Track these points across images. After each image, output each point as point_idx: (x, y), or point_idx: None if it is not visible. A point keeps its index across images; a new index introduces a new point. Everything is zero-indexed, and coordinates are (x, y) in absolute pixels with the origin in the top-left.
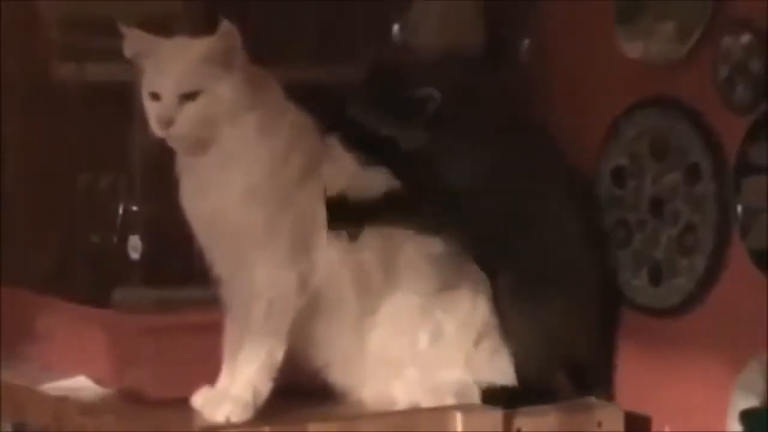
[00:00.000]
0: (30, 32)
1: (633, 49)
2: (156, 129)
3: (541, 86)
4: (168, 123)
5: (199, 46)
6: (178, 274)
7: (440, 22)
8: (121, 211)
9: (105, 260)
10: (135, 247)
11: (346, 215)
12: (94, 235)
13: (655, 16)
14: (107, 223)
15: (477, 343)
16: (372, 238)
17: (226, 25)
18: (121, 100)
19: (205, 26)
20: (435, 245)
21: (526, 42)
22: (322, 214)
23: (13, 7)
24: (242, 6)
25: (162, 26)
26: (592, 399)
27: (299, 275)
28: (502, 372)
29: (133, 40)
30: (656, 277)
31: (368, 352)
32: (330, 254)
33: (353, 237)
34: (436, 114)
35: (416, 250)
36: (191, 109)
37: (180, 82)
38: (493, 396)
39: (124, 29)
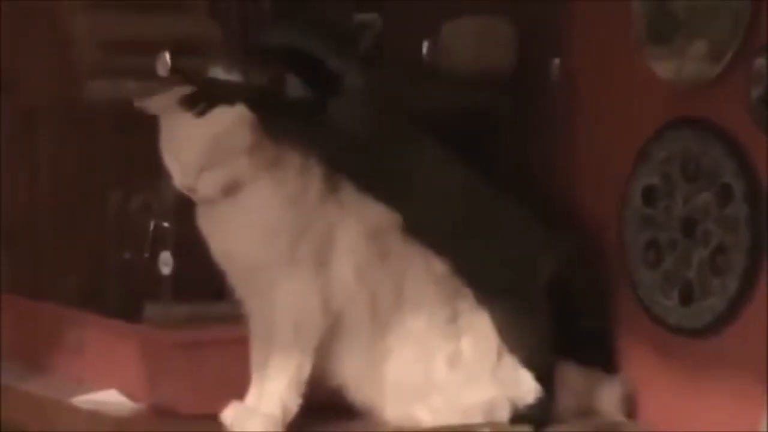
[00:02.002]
0: (63, 51)
1: (664, 69)
2: (180, 188)
3: (571, 106)
4: (191, 190)
5: (215, 124)
6: (209, 289)
7: (473, 43)
8: (152, 227)
9: (136, 276)
10: (166, 262)
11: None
12: (126, 251)
13: (687, 36)
14: (139, 240)
15: (500, 357)
16: (379, 260)
17: (241, 111)
18: (154, 117)
19: (240, 49)
20: (438, 265)
21: (557, 62)
22: (339, 233)
23: (46, 26)
24: (272, 26)
25: (198, 48)
26: (621, 419)
27: (322, 297)
28: (529, 384)
29: (149, 105)
30: (687, 297)
31: (386, 376)
32: (346, 274)
33: (200, 112)
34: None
35: (422, 271)
36: (211, 177)
37: (197, 157)
38: (521, 415)
39: (137, 102)
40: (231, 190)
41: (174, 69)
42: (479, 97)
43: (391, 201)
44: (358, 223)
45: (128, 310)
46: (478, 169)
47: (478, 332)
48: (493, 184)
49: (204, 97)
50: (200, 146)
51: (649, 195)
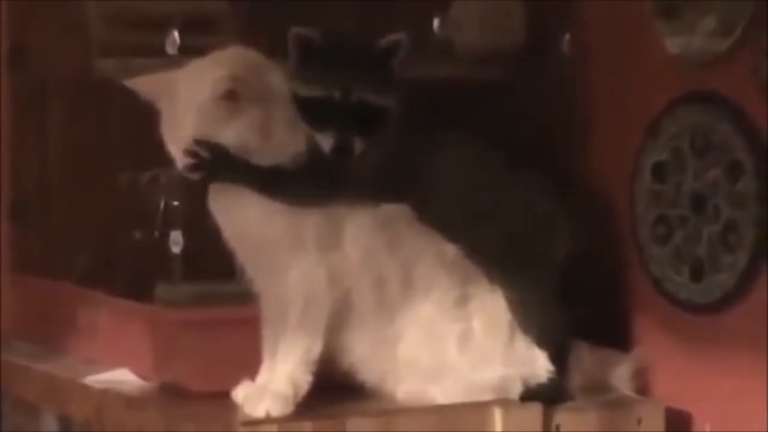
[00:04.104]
0: (74, 27)
1: (674, 44)
2: (181, 170)
3: (581, 82)
4: (194, 172)
5: (204, 95)
6: (219, 268)
7: (482, 18)
8: (162, 206)
9: (147, 255)
10: (176, 242)
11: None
12: (136, 231)
13: (697, 12)
14: (149, 219)
15: (511, 336)
16: (387, 248)
17: (223, 74)
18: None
19: (249, 25)
20: (449, 250)
21: (567, 38)
22: (349, 221)
23: (57, 1)
24: (282, 4)
25: (206, 26)
26: (632, 395)
27: (329, 273)
28: (542, 363)
29: (143, 88)
30: (698, 274)
31: (396, 357)
32: (353, 254)
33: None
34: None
35: (432, 259)
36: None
37: (190, 132)
38: (532, 392)
39: (129, 82)
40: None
41: (193, 148)
42: (489, 72)
43: (405, 187)
44: (366, 215)
45: (139, 290)
46: (491, 144)
47: (490, 314)
48: (507, 158)
49: (212, 168)
50: (190, 120)
51: (659, 171)
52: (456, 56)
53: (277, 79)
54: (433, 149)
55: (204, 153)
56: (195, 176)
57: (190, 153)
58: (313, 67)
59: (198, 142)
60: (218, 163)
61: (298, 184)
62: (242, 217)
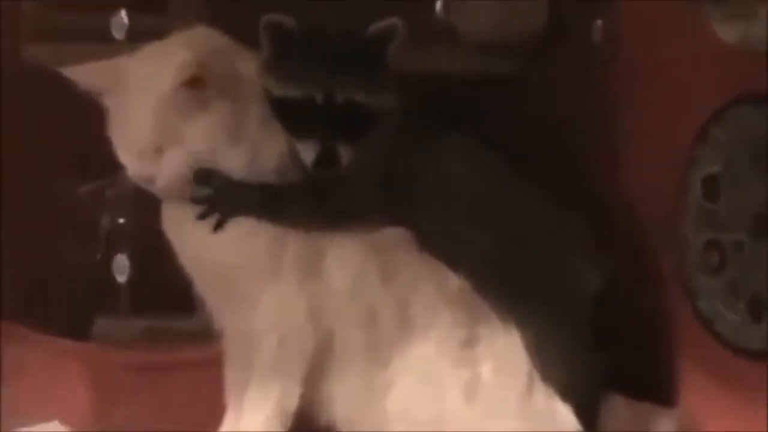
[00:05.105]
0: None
1: (728, 32)
2: (135, 180)
3: (614, 78)
4: (148, 181)
5: (164, 85)
6: (172, 300)
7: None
8: (105, 224)
9: (85, 283)
10: (121, 268)
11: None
12: (73, 254)
13: None
14: (88, 239)
15: (529, 386)
16: (380, 277)
17: (186, 58)
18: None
19: (210, 7)
20: (453, 282)
21: (598, 25)
22: (331, 239)
23: None
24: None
25: (159, 5)
26: None
27: (309, 304)
28: (566, 419)
29: (85, 78)
30: (756, 312)
31: (387, 410)
32: (339, 284)
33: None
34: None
35: (433, 290)
36: (170, 160)
37: (150, 136)
38: None
39: (67, 71)
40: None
41: (199, 175)
42: (501, 65)
43: (401, 204)
44: (355, 237)
45: (75, 325)
46: (504, 151)
47: (503, 358)
48: (524, 170)
49: (220, 206)
50: (150, 120)
51: (711, 186)
52: (462, 45)
53: (250, 66)
54: (436, 159)
55: (207, 190)
56: (199, 215)
57: (197, 200)
58: (289, 62)
59: (199, 175)
60: (224, 197)
61: (309, 203)
62: (202, 238)
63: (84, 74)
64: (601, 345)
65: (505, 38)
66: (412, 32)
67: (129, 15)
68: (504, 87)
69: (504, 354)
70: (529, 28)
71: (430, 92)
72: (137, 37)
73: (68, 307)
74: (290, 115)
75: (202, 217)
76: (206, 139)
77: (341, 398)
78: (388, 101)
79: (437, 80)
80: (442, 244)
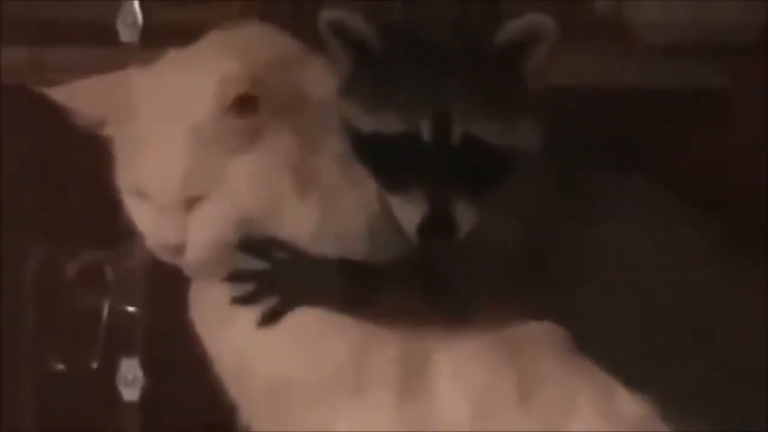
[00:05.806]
0: None
1: None
2: (154, 250)
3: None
4: (174, 250)
5: (199, 109)
6: (200, 427)
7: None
8: (105, 314)
9: (78, 401)
10: (130, 378)
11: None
12: (58, 358)
13: None
14: (81, 337)
15: None
16: (516, 397)
17: (232, 71)
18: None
19: None
20: (625, 406)
21: None
22: (441, 336)
23: None
24: None
25: None
26: None
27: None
28: None
29: (79, 99)
30: None
31: None
32: (453, 410)
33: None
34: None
35: (594, 416)
36: (206, 218)
37: (178, 183)
38: None
39: (52, 91)
40: (234, 238)
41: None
42: (691, 73)
43: (563, 299)
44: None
45: None
46: (700, 200)
47: None
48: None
49: (279, 289)
50: (181, 156)
51: None
52: (634, 46)
53: (325, 82)
54: (605, 220)
55: (258, 263)
56: (244, 298)
57: (240, 275)
58: (378, 84)
59: (249, 242)
60: (286, 275)
61: (412, 289)
62: (253, 336)
63: (78, 95)
64: None
65: (694, 35)
66: (563, 34)
67: (143, 7)
68: (694, 103)
69: None
70: (731, 21)
71: (590, 120)
72: (155, 38)
73: None
74: (383, 159)
75: (248, 301)
76: (259, 188)
77: None
78: (527, 137)
79: (601, 101)
80: (613, 349)
